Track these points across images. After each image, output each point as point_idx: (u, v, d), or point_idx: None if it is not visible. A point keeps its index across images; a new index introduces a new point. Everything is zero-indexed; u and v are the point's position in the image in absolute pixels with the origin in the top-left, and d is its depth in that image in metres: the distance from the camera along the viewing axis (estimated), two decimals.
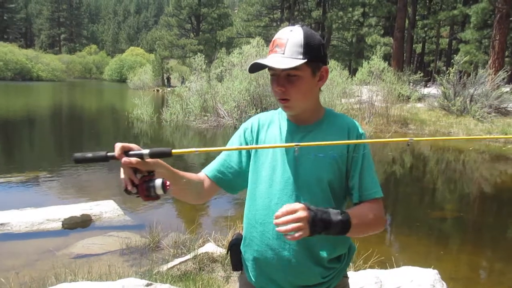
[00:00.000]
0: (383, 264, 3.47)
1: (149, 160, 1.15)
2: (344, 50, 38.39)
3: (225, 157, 1.49)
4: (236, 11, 43.20)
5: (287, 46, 1.27)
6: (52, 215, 5.17)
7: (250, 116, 11.71)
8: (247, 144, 1.46)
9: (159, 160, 1.20)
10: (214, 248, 4.01)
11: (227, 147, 1.38)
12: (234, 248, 1.51)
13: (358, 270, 3.31)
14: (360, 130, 1.37)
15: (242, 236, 1.52)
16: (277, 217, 1.11)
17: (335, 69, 16.59)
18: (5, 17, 79.71)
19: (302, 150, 1.30)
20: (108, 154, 1.15)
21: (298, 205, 1.12)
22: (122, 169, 1.14)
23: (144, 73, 43.04)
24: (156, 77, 42.91)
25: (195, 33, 46.39)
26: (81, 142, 12.55)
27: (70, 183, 7.52)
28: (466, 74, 17.59)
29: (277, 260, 1.35)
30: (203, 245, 4.21)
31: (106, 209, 5.54)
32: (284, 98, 1.33)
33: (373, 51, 18.08)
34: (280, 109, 1.45)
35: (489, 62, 18.75)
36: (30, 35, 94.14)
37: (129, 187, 1.12)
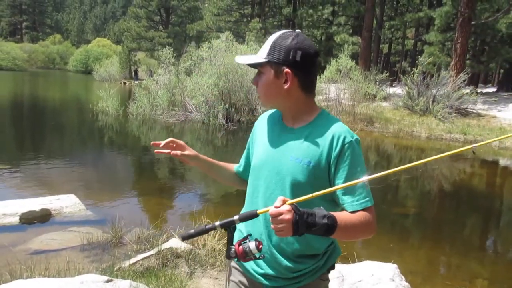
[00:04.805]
0: (346, 259, 3.53)
1: (189, 153, 1.57)
2: None
3: (245, 154, 1.69)
4: (206, 5, 42.64)
5: (263, 46, 1.40)
6: (9, 209, 4.96)
7: (218, 111, 11.51)
8: (253, 139, 1.61)
9: (198, 155, 1.58)
10: (178, 243, 3.96)
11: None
12: (233, 227, 1.55)
13: None
14: (348, 138, 1.36)
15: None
16: (270, 214, 1.20)
17: None
18: None
19: (282, 151, 1.41)
20: (207, 227, 1.34)
21: (284, 208, 1.18)
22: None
23: (111, 65, 41.94)
24: (123, 70, 41.93)
25: (164, 26, 45.56)
26: (43, 135, 12.11)
27: (29, 177, 7.24)
28: (429, 75, 18.13)
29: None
30: (167, 240, 4.15)
31: (67, 203, 5.37)
32: (258, 92, 1.46)
33: (341, 49, 18.33)
34: None
35: (451, 64, 19.37)
36: None
37: (231, 253, 1.32)
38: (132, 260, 3.70)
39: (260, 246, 1.28)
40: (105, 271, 3.34)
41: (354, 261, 3.23)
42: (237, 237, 1.45)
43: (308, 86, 1.41)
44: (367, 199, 1.36)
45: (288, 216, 1.17)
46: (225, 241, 3.88)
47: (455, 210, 7.69)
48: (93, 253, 4.14)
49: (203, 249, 3.86)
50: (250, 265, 1.47)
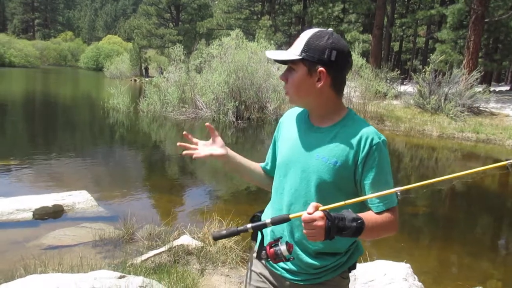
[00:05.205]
0: (358, 258, 3.51)
1: (221, 153, 1.55)
2: None
3: (272, 151, 1.68)
4: (216, 2, 42.69)
5: (295, 43, 1.39)
6: (23, 205, 5.02)
7: (228, 109, 11.50)
8: (279, 135, 1.61)
9: (229, 153, 1.57)
10: (189, 240, 3.98)
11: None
12: (256, 218, 1.59)
13: None
14: (376, 140, 1.37)
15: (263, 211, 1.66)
16: (303, 220, 1.23)
17: None
18: None
19: (309, 149, 1.42)
20: (238, 228, 1.38)
21: (317, 215, 1.21)
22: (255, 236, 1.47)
23: (121, 62, 42.15)
24: (133, 67, 42.10)
25: (174, 23, 45.69)
26: (55, 132, 12.24)
27: (42, 173, 7.33)
28: (441, 73, 17.94)
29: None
30: (178, 237, 4.17)
31: (79, 199, 5.42)
32: (285, 89, 1.45)
33: (352, 47, 18.20)
34: None
35: (464, 62, 19.15)
36: (2, 19, 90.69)
37: (262, 255, 1.36)
38: (144, 257, 3.72)
39: (291, 249, 1.31)
40: (118, 267, 3.36)
41: (366, 260, 3.21)
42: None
43: (339, 85, 1.42)
44: (392, 199, 1.38)
45: (321, 223, 1.20)
46: (236, 238, 3.90)
47: (467, 209, 7.61)
48: (105, 249, 4.17)
49: (214, 246, 3.87)
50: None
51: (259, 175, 1.69)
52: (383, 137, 1.39)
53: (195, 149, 1.57)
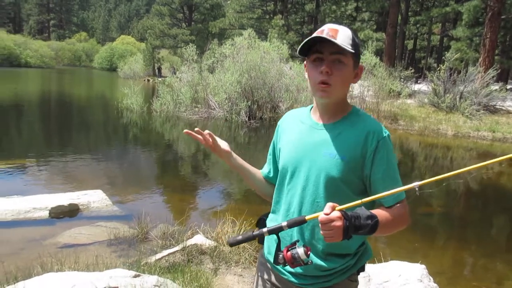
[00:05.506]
0: (371, 259, 3.49)
1: (225, 149, 1.54)
2: None
3: (272, 157, 1.63)
4: (229, 2, 42.79)
5: (339, 35, 1.31)
6: (39, 203, 5.11)
7: (240, 109, 11.49)
8: (278, 140, 1.57)
9: (233, 155, 1.57)
10: (203, 240, 4.00)
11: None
12: (262, 222, 1.58)
13: None
14: (382, 134, 1.37)
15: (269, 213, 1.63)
16: (320, 221, 1.20)
17: None
18: None
19: (315, 146, 1.40)
20: (254, 233, 1.36)
21: (334, 215, 1.18)
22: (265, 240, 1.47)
23: (135, 62, 42.50)
24: (146, 67, 42.40)
25: (187, 23, 45.90)
26: (70, 132, 12.40)
27: (58, 172, 7.43)
28: (456, 71, 17.70)
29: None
30: (192, 236, 4.19)
31: (94, 198, 5.49)
32: (327, 82, 1.34)
33: (365, 46, 18.06)
34: (309, 106, 1.52)
35: (480, 60, 18.86)
36: (18, 20, 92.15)
37: (280, 259, 1.31)
38: (158, 256, 3.75)
39: (309, 252, 1.28)
40: (132, 266, 3.40)
41: (380, 261, 3.18)
42: (268, 238, 1.47)
43: None
44: (400, 192, 1.36)
45: (339, 223, 1.18)
46: None
47: (482, 209, 7.50)
48: (120, 248, 4.22)
49: (227, 246, 3.89)
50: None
51: (259, 181, 1.66)
52: (387, 132, 1.40)
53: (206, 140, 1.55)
